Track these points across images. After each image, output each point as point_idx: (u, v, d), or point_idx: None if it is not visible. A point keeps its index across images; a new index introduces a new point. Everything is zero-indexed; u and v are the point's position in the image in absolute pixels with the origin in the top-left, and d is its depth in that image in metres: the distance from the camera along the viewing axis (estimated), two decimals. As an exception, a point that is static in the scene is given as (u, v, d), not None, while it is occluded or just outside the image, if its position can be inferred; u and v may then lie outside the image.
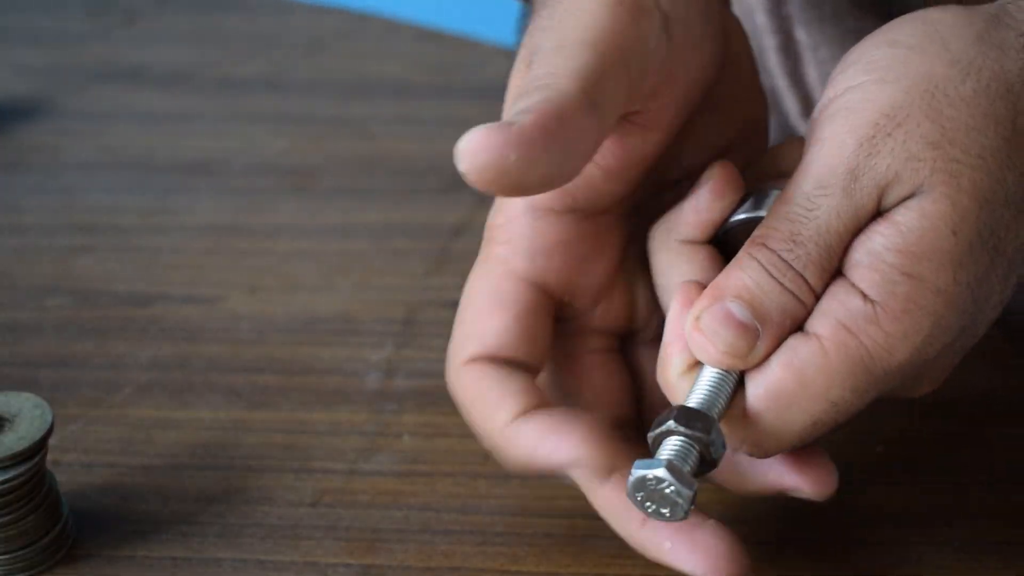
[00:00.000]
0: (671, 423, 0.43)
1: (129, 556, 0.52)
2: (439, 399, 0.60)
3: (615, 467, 0.46)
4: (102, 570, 0.52)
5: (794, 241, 0.44)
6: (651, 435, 0.44)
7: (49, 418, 0.50)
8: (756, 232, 0.45)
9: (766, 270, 0.44)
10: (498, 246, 0.49)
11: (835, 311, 0.43)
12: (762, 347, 0.44)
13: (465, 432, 0.58)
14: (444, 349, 0.63)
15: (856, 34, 0.68)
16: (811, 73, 0.76)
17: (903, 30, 0.45)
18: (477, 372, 0.48)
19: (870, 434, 0.56)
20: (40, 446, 0.50)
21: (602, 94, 0.44)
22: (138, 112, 0.85)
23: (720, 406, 0.44)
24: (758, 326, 0.43)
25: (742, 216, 0.47)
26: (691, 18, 0.47)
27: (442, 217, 0.72)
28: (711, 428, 0.43)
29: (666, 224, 0.48)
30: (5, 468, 0.49)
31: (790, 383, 0.44)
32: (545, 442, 0.46)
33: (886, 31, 0.46)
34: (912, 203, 0.43)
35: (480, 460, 0.56)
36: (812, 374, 0.43)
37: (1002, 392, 0.59)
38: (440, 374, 0.61)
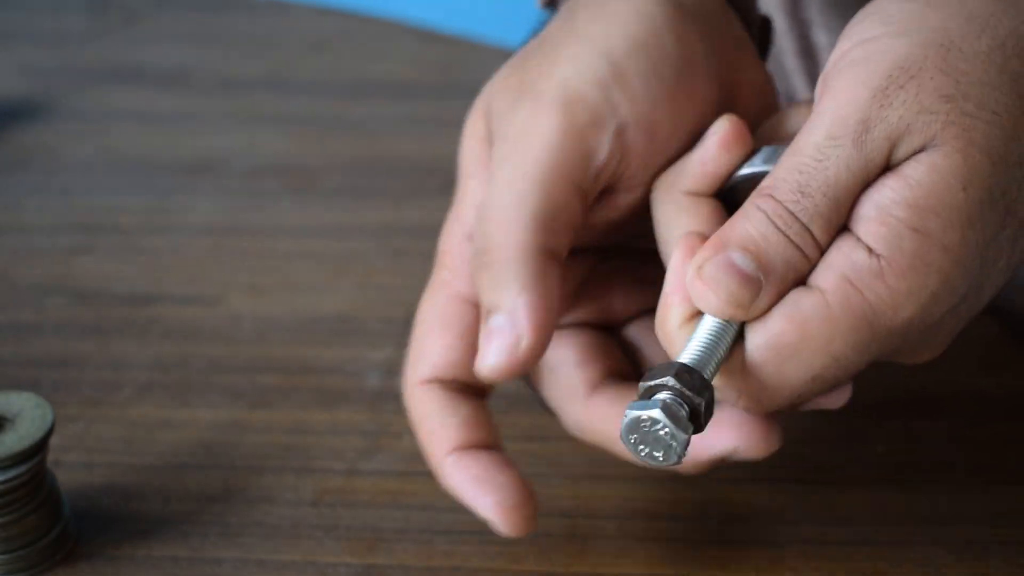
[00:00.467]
0: (668, 378, 0.42)
1: (130, 555, 0.52)
2: (439, 399, 0.60)
3: (527, 527, 0.48)
4: (103, 569, 0.52)
5: (801, 193, 0.43)
6: (643, 384, 0.43)
7: (50, 418, 0.50)
8: (764, 183, 0.44)
9: (772, 221, 0.43)
10: (443, 270, 0.51)
11: (840, 265, 0.43)
12: (764, 299, 0.43)
13: (465, 432, 0.58)
14: (444, 349, 0.63)
15: None
16: None
17: None
18: (424, 395, 0.49)
19: (870, 434, 0.56)
20: (41, 446, 0.50)
21: (559, 236, 0.47)
22: (138, 112, 0.85)
23: (718, 358, 0.43)
24: (761, 277, 0.43)
25: (748, 171, 0.46)
26: (687, 55, 0.48)
27: (442, 217, 0.72)
28: (704, 390, 0.42)
29: (670, 176, 0.48)
30: (6, 468, 0.49)
31: (791, 335, 0.43)
32: (468, 490, 0.48)
33: None
34: (923, 156, 0.43)
35: (480, 460, 0.56)
36: (814, 327, 0.43)
37: (1001, 392, 0.59)
38: (440, 374, 0.61)
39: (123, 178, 0.78)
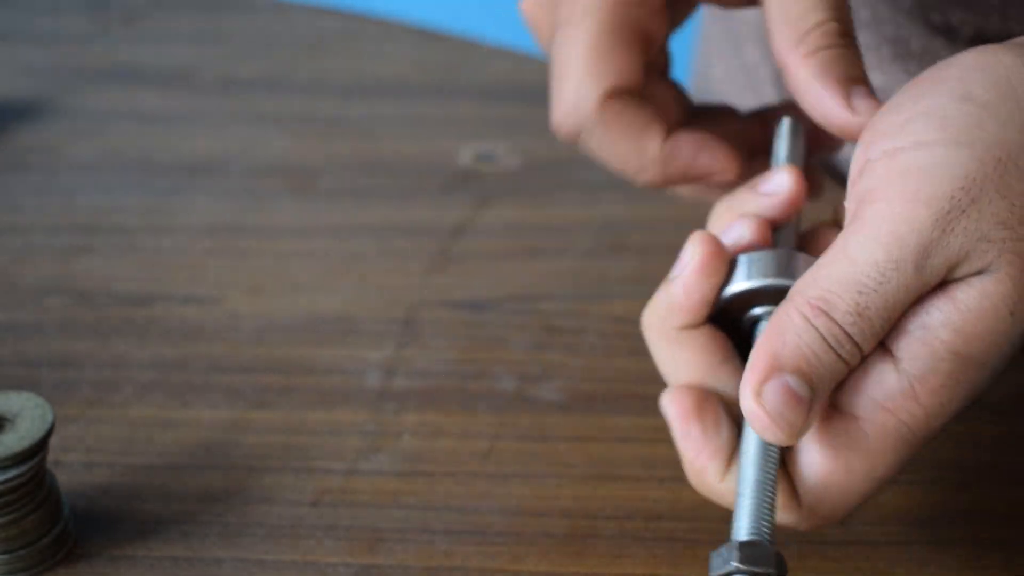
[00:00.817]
0: (734, 564, 0.43)
1: (130, 556, 0.52)
2: (439, 399, 0.60)
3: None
4: (103, 570, 0.52)
5: (859, 315, 0.42)
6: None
7: (50, 418, 0.50)
8: (810, 292, 0.43)
9: (826, 341, 0.43)
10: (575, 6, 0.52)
11: (872, 391, 0.43)
12: (812, 417, 0.43)
13: (465, 432, 0.58)
14: (444, 349, 0.63)
15: (893, 43, 0.68)
16: None
17: (976, 83, 0.44)
18: (618, 105, 0.52)
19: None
20: (41, 446, 0.50)
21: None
22: (138, 112, 0.84)
23: (771, 504, 0.44)
24: (812, 398, 0.43)
25: (742, 288, 0.47)
26: None
27: (442, 217, 0.72)
28: (771, 562, 0.43)
29: (659, 314, 0.48)
30: (6, 468, 0.49)
31: (838, 475, 0.44)
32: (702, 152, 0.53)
33: (958, 81, 0.44)
34: (975, 281, 0.43)
35: (480, 460, 0.56)
36: (856, 460, 0.44)
37: (1001, 392, 0.59)
38: (440, 374, 0.61)
39: (123, 178, 0.78)
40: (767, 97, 0.80)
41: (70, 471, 0.56)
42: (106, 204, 0.75)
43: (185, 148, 0.80)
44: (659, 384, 0.49)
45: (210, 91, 0.86)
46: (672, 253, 0.69)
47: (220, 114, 0.84)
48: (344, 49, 0.90)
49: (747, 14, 0.81)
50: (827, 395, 0.43)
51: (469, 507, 0.54)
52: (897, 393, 0.43)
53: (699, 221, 0.72)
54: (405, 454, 0.57)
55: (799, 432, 0.43)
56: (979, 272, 0.43)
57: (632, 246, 0.70)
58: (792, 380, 0.42)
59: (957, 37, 0.65)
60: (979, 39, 0.64)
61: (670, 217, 0.72)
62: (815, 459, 0.45)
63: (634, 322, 0.64)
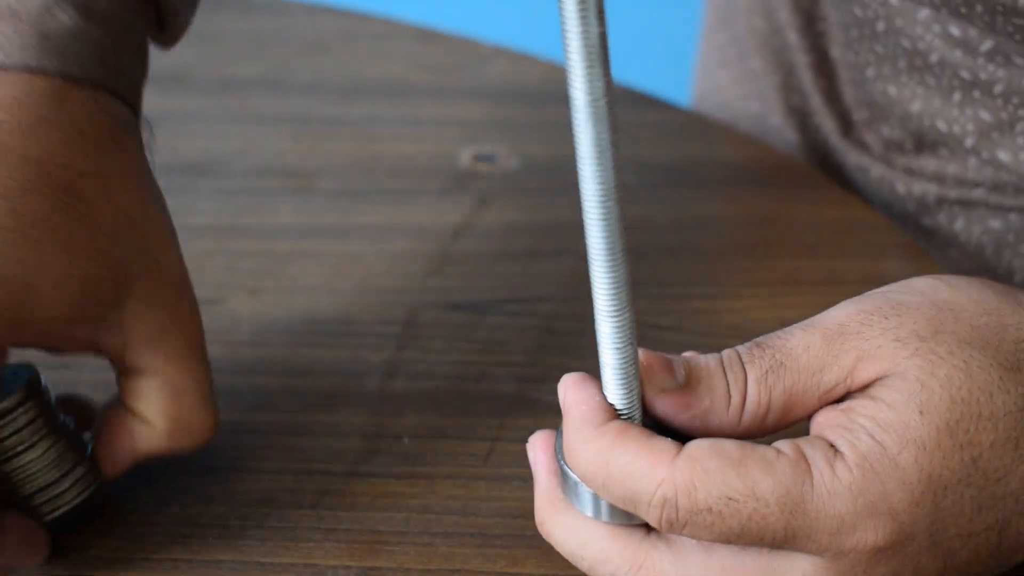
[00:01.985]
0: None
1: (128, 558, 0.52)
2: (439, 401, 0.60)
3: None
4: (101, 572, 0.51)
5: (758, 346, 0.46)
6: None
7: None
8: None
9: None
10: None
11: (801, 443, 0.44)
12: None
13: (465, 434, 0.58)
14: (444, 351, 0.63)
15: (910, 55, 0.68)
16: (847, 92, 0.75)
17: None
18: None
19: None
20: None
21: None
22: (138, 112, 0.84)
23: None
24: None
25: None
26: None
27: (442, 218, 0.72)
28: None
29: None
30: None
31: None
32: None
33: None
34: (887, 380, 0.44)
35: (480, 462, 0.56)
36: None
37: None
38: (440, 376, 0.61)
39: (123, 178, 0.78)
40: (774, 104, 0.80)
41: (69, 473, 0.56)
42: (105, 204, 0.75)
43: (185, 148, 0.80)
44: (659, 386, 0.49)
45: (210, 91, 0.86)
46: (671, 254, 0.69)
47: (220, 114, 0.84)
48: (344, 49, 0.90)
49: (753, 24, 0.80)
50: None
51: (469, 509, 0.54)
52: (820, 452, 0.44)
53: (700, 221, 0.72)
54: (405, 456, 0.57)
55: None
56: (889, 374, 0.44)
57: (632, 247, 0.70)
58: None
59: (976, 50, 0.64)
60: (998, 52, 0.64)
61: (669, 218, 0.72)
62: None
63: (634, 323, 0.64)
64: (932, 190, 0.71)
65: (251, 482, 0.56)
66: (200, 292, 0.67)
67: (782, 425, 0.46)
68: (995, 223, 0.70)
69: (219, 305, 0.66)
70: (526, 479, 0.55)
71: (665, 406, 0.45)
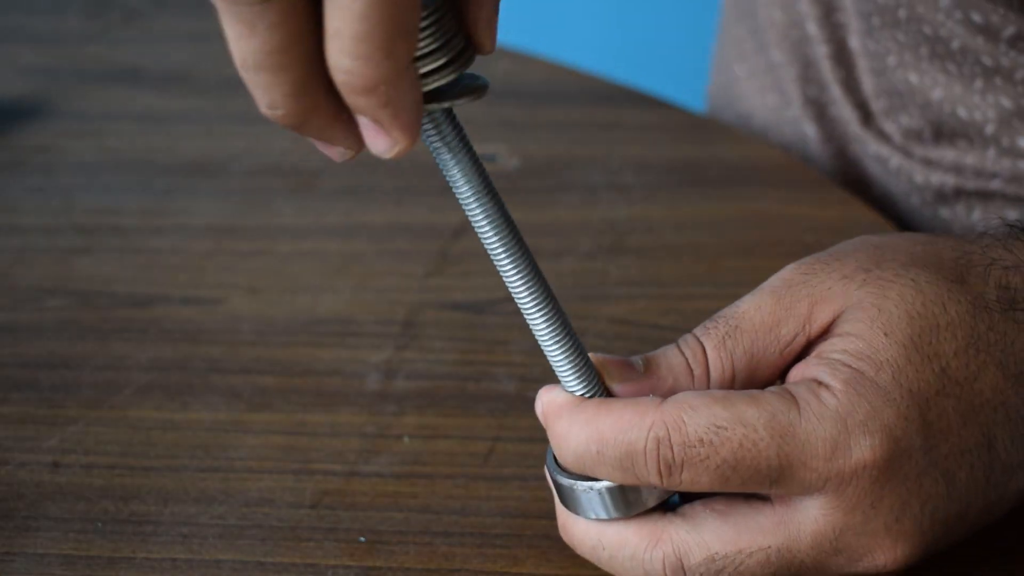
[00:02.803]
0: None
1: (129, 557, 0.52)
2: (439, 401, 0.60)
3: None
4: (102, 572, 0.51)
5: (714, 321, 0.47)
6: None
7: None
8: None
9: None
10: None
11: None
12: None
13: (465, 434, 0.58)
14: (444, 351, 0.63)
15: (932, 42, 0.68)
16: (867, 81, 0.76)
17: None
18: None
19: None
20: None
21: None
22: (138, 112, 0.84)
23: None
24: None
25: None
26: None
27: (442, 217, 0.72)
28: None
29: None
30: None
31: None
32: None
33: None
34: (845, 314, 0.46)
35: (480, 462, 0.56)
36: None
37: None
38: (440, 375, 0.61)
39: (123, 178, 0.78)
40: (792, 96, 0.80)
41: (70, 472, 0.56)
42: (105, 204, 0.75)
43: (185, 148, 0.80)
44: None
45: (210, 91, 0.86)
46: (671, 254, 0.69)
47: (220, 114, 0.84)
48: (344, 49, 0.90)
49: (772, 17, 0.80)
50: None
51: (469, 509, 0.54)
52: (804, 381, 0.45)
53: (700, 221, 0.72)
54: (405, 456, 0.57)
55: None
56: (845, 309, 0.46)
57: (632, 246, 0.70)
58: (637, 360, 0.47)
59: (998, 36, 0.65)
60: (1020, 38, 0.64)
61: (669, 218, 0.72)
62: None
63: (634, 322, 0.64)
64: (950, 181, 0.72)
65: (251, 482, 0.56)
66: (200, 292, 0.67)
67: (752, 388, 0.46)
68: (1012, 214, 0.70)
69: (219, 305, 0.66)
70: (526, 479, 0.55)
71: (631, 393, 0.46)
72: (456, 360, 0.62)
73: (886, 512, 0.44)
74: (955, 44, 0.67)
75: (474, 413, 0.59)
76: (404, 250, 0.70)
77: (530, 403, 0.59)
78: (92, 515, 0.54)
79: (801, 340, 0.46)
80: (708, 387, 0.46)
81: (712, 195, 0.74)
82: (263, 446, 0.57)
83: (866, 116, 0.76)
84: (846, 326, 0.45)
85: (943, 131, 0.71)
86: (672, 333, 0.63)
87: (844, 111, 0.77)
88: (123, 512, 0.54)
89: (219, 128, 0.82)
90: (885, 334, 0.45)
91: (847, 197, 0.72)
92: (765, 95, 0.82)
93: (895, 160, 0.74)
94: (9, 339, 0.64)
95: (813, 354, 0.46)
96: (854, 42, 0.75)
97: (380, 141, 0.41)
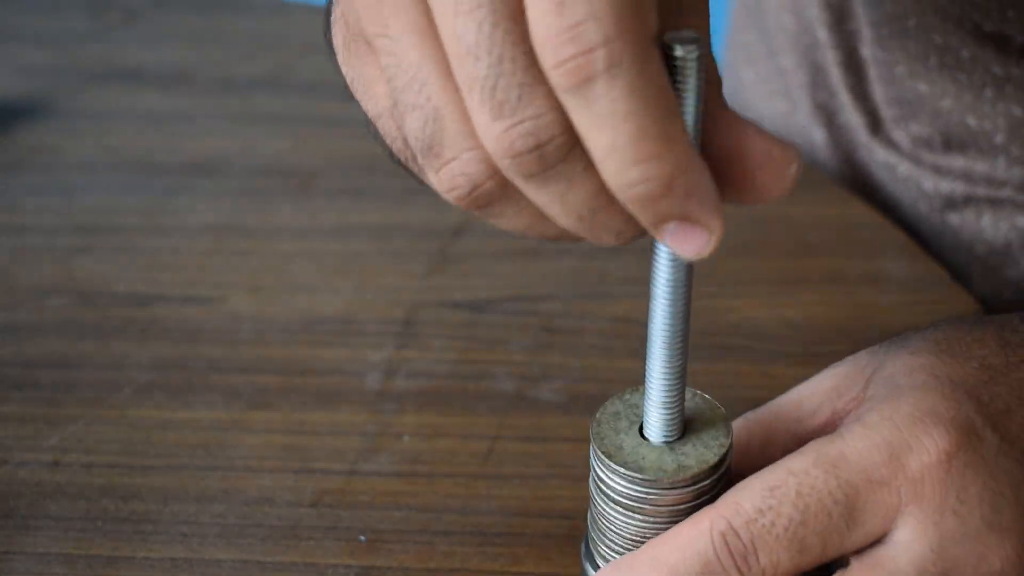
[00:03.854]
0: None
1: (129, 557, 0.52)
2: (439, 400, 0.60)
3: None
4: (102, 571, 0.51)
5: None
6: None
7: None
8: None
9: None
10: None
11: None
12: None
13: (465, 433, 0.58)
14: (444, 349, 0.63)
15: (942, 52, 0.68)
16: (877, 89, 0.75)
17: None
18: None
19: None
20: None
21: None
22: (138, 112, 0.84)
23: None
24: None
25: None
26: None
27: (442, 217, 0.72)
28: None
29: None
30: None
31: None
32: None
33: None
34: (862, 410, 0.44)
35: (480, 461, 0.56)
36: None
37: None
38: (440, 375, 0.61)
39: (123, 178, 0.78)
40: (801, 102, 0.80)
41: (70, 471, 0.56)
42: (106, 204, 0.75)
43: (185, 148, 0.80)
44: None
45: (210, 91, 0.86)
46: (672, 253, 0.69)
47: (220, 114, 0.84)
48: (344, 49, 0.90)
49: (782, 22, 0.80)
50: None
51: (469, 508, 0.54)
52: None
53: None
54: (405, 455, 0.57)
55: None
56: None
57: (632, 246, 0.70)
58: None
59: (1009, 47, 0.65)
60: None
61: (670, 217, 0.72)
62: None
63: (634, 322, 0.64)
64: (959, 188, 0.72)
65: (251, 481, 0.56)
66: (200, 292, 0.67)
67: None
68: (1022, 220, 0.70)
69: (219, 304, 0.66)
70: (526, 478, 0.55)
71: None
72: (456, 359, 0.62)
73: (978, 504, 0.40)
74: (965, 53, 0.67)
75: (474, 412, 0.59)
76: (404, 249, 0.70)
77: (530, 403, 0.60)
78: (92, 514, 0.54)
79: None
80: None
81: (712, 195, 0.74)
82: (263, 445, 0.57)
83: (875, 123, 0.76)
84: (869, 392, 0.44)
85: (953, 140, 0.71)
86: (672, 332, 0.63)
87: (853, 118, 0.77)
88: (123, 511, 0.54)
89: (219, 128, 0.82)
90: (911, 354, 0.43)
91: (848, 197, 0.72)
92: (773, 100, 0.82)
93: (903, 167, 0.74)
94: (10, 338, 0.64)
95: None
96: (864, 50, 0.75)
97: (696, 239, 0.38)
